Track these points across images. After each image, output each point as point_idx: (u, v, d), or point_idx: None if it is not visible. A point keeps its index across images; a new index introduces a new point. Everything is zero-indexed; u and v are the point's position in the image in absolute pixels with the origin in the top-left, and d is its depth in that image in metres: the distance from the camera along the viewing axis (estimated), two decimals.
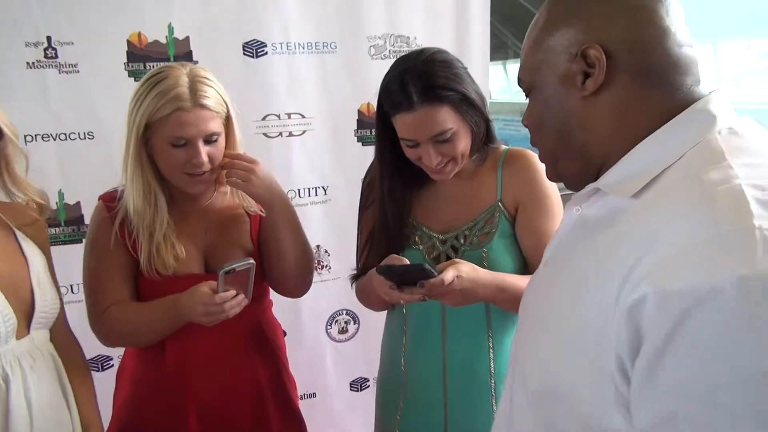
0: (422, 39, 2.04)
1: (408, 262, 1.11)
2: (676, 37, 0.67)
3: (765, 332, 0.47)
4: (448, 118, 1.13)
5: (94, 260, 1.26)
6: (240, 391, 1.32)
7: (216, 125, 1.19)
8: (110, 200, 1.27)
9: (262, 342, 1.37)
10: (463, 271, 1.08)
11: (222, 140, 1.22)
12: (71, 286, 1.85)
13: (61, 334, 1.24)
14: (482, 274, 1.12)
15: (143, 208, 1.21)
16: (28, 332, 1.14)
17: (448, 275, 1.05)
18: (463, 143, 1.17)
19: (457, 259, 1.12)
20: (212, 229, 1.30)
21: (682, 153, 0.63)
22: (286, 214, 1.31)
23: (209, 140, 1.18)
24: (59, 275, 1.80)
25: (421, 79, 1.12)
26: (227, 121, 1.23)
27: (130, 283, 1.26)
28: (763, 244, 0.49)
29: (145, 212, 1.21)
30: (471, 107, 1.16)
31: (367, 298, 1.33)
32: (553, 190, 1.25)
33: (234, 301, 1.15)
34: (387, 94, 1.17)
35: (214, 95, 1.18)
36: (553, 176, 0.79)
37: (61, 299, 1.24)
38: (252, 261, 1.16)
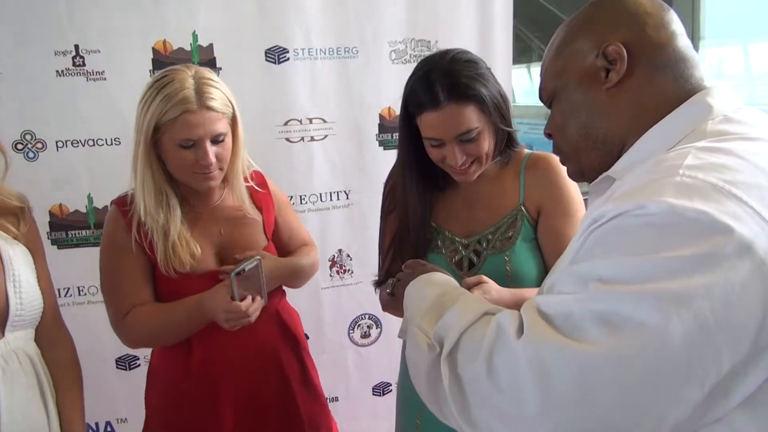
0: (443, 43, 2.03)
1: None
2: (683, 39, 0.78)
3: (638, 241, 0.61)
4: (473, 117, 1.13)
5: (113, 264, 1.28)
6: (267, 376, 1.37)
7: (222, 126, 1.22)
8: (124, 204, 1.29)
9: (282, 329, 1.41)
10: (489, 290, 1.08)
11: (229, 139, 1.25)
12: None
13: (48, 334, 1.23)
14: (504, 292, 1.11)
15: (156, 209, 1.24)
16: (3, 335, 1.13)
17: (475, 295, 1.04)
18: (487, 143, 1.17)
19: (482, 276, 1.11)
20: (226, 227, 1.33)
21: (679, 139, 0.72)
22: (291, 275, 1.43)
23: (216, 140, 1.22)
24: (88, 277, 1.88)
25: (446, 77, 1.12)
26: (233, 121, 1.26)
27: (149, 284, 1.29)
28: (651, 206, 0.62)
29: (158, 213, 1.24)
30: (495, 108, 1.16)
31: (391, 307, 1.32)
32: (576, 194, 1.24)
33: (254, 306, 1.19)
34: (412, 95, 1.17)
35: (219, 96, 1.21)
36: (575, 173, 0.86)
37: (50, 297, 1.23)
38: (258, 258, 1.19)
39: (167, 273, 1.25)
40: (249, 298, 1.18)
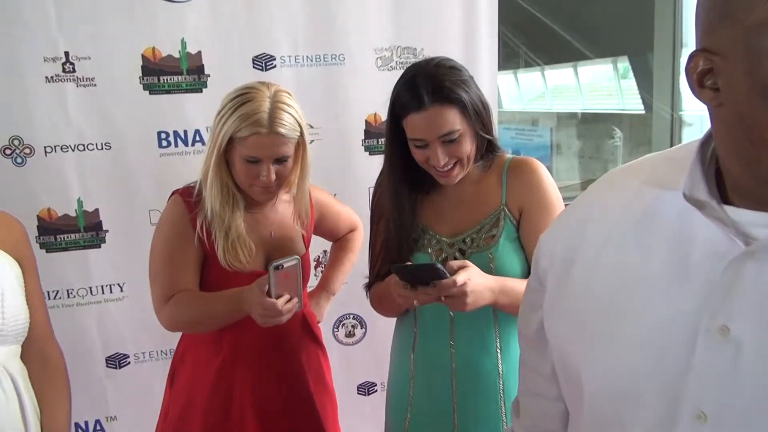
0: (429, 50, 2.05)
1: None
2: None
3: None
4: (456, 120, 1.19)
5: (170, 250, 1.37)
6: (288, 370, 1.47)
7: (287, 149, 1.32)
8: (189, 196, 1.37)
9: (306, 331, 1.51)
10: (473, 274, 1.13)
11: (291, 160, 1.35)
12: (90, 288, 1.92)
13: (39, 350, 1.22)
14: (489, 278, 1.17)
15: (221, 210, 1.34)
16: None
17: (460, 277, 1.10)
18: (469, 146, 1.22)
19: (467, 261, 1.16)
20: (276, 231, 1.43)
21: None
22: None
23: (279, 161, 1.32)
24: (77, 279, 1.89)
25: (431, 80, 1.18)
26: (300, 143, 1.36)
27: (198, 275, 1.38)
28: None
29: (224, 213, 1.34)
30: (475, 114, 1.21)
31: (382, 304, 1.37)
32: (556, 195, 1.28)
33: (289, 305, 1.25)
34: (398, 97, 1.23)
35: (290, 122, 1.30)
36: None
37: (41, 313, 1.22)
38: (297, 257, 1.27)
39: (225, 266, 1.35)
40: (285, 296, 1.24)
